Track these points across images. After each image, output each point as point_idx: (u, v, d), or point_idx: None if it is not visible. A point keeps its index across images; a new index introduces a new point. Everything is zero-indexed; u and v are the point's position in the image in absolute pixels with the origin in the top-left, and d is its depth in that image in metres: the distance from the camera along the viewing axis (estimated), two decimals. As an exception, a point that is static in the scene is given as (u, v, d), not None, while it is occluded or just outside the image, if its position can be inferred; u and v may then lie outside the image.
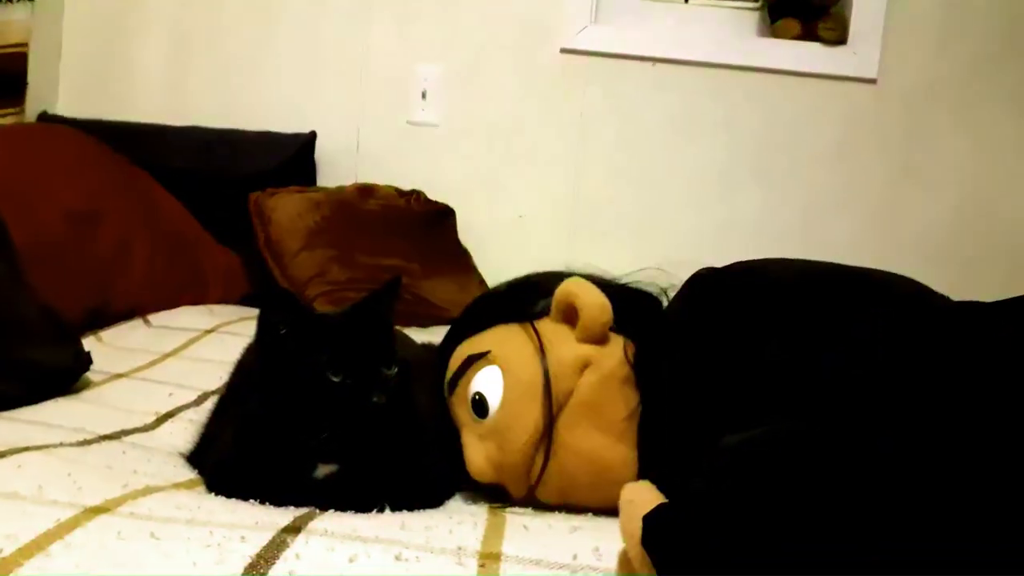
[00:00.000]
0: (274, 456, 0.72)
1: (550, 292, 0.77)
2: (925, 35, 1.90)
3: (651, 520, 0.50)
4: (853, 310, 0.66)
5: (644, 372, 0.73)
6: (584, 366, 0.74)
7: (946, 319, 0.67)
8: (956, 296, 0.72)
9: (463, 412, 0.77)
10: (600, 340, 0.75)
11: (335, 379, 0.68)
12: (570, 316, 0.76)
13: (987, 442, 0.53)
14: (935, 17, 1.89)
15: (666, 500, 0.52)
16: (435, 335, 0.91)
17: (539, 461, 0.73)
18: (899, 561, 0.47)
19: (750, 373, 0.64)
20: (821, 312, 0.66)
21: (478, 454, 0.75)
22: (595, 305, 0.74)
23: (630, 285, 0.83)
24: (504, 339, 0.77)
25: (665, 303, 0.81)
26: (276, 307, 0.72)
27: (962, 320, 0.67)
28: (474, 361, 0.77)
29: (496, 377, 0.75)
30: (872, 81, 1.90)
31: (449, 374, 0.79)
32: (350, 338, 0.71)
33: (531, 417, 0.73)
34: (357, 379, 0.69)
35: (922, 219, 1.92)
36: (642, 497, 0.53)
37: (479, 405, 0.76)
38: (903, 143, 1.92)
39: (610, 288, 0.78)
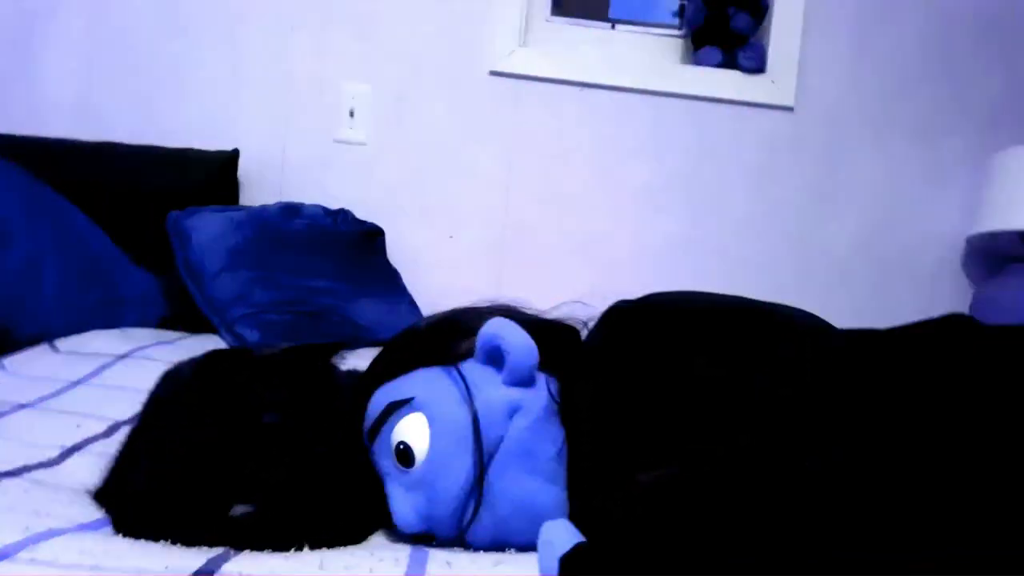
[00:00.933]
0: (189, 493, 0.69)
1: (473, 332, 0.75)
2: (837, 67, 1.99)
3: (566, 561, 0.50)
4: (775, 332, 0.68)
5: (567, 408, 0.72)
6: (513, 411, 0.72)
7: (862, 344, 0.69)
8: (864, 311, 0.75)
9: (386, 462, 0.74)
10: (528, 383, 0.73)
11: (269, 420, 0.67)
12: (495, 358, 0.74)
13: (915, 461, 0.54)
14: (847, 50, 1.99)
15: (583, 539, 0.52)
16: (363, 358, 0.89)
17: (470, 507, 0.71)
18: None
19: (674, 395, 0.64)
20: (743, 335, 0.68)
21: (405, 506, 0.72)
22: (522, 348, 0.73)
23: (551, 320, 0.83)
24: (428, 384, 0.74)
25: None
26: (220, 354, 0.71)
27: (876, 345, 0.69)
28: (396, 408, 0.74)
29: (421, 425, 0.72)
30: (789, 108, 1.98)
31: (369, 423, 0.76)
32: (288, 380, 0.70)
33: (462, 467, 0.70)
34: (291, 421, 0.68)
35: (835, 240, 2.00)
36: (560, 537, 0.52)
37: (404, 455, 0.72)
38: (818, 168, 2.00)
39: (532, 324, 0.77)
